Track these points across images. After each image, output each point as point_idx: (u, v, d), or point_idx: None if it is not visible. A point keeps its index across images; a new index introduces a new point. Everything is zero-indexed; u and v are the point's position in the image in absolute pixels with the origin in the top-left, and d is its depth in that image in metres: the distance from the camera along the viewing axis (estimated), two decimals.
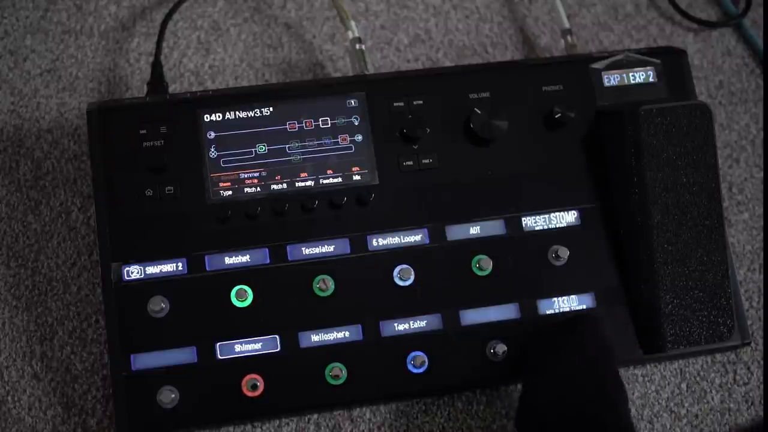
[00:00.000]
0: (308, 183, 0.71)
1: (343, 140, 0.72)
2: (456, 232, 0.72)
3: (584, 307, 0.71)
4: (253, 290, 0.69)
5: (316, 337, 0.69)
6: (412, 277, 0.70)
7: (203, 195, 0.70)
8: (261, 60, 0.86)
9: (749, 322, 0.77)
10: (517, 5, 0.91)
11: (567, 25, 0.84)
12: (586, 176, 0.74)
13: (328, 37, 0.88)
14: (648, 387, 0.76)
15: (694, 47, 0.91)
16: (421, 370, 0.69)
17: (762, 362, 0.78)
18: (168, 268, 0.69)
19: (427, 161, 0.72)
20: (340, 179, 0.71)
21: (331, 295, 0.69)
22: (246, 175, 0.71)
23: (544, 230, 0.72)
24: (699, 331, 0.70)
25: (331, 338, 0.69)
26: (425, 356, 0.69)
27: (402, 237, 0.71)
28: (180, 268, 0.69)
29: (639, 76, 0.76)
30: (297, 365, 0.68)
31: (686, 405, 0.76)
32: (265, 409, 0.68)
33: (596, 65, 0.76)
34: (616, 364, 0.67)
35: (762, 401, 0.77)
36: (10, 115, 0.81)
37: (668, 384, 0.77)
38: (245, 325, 0.68)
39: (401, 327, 0.69)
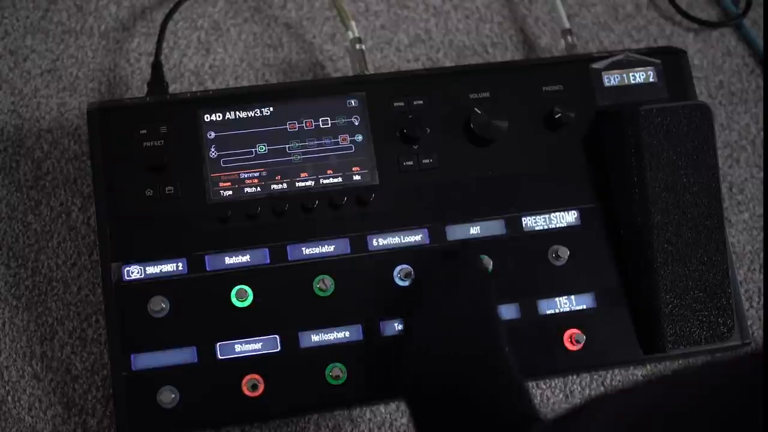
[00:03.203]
0: (308, 183, 0.71)
1: (343, 140, 0.72)
2: (456, 232, 0.72)
3: (584, 307, 0.71)
4: (253, 290, 0.69)
5: (316, 337, 0.69)
6: (412, 277, 0.70)
7: (203, 195, 0.70)
8: (261, 60, 0.86)
9: (749, 322, 0.77)
10: (517, 5, 0.91)
11: (567, 25, 0.84)
12: (586, 176, 0.74)
13: (328, 37, 0.88)
14: None
15: (694, 47, 0.91)
16: None
17: (762, 362, 0.78)
18: (168, 268, 0.69)
19: (427, 161, 0.72)
20: (340, 179, 0.71)
21: (331, 295, 0.69)
22: (246, 175, 0.71)
23: (544, 230, 0.72)
24: (699, 331, 0.70)
25: (331, 338, 0.69)
26: None
27: (402, 237, 0.71)
28: (180, 268, 0.69)
29: (639, 76, 0.76)
30: (297, 365, 0.68)
31: None
32: (265, 409, 0.68)
33: (596, 65, 0.76)
34: (493, 296, 0.64)
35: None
36: (10, 115, 0.81)
37: None
38: (245, 325, 0.68)
39: (402, 327, 0.69)
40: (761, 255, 0.82)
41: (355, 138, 0.72)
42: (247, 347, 0.68)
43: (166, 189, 0.70)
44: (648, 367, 0.77)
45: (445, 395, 0.58)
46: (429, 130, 0.73)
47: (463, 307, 0.63)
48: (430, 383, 0.59)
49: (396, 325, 0.69)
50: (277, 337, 0.68)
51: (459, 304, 0.63)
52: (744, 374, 0.41)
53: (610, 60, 0.76)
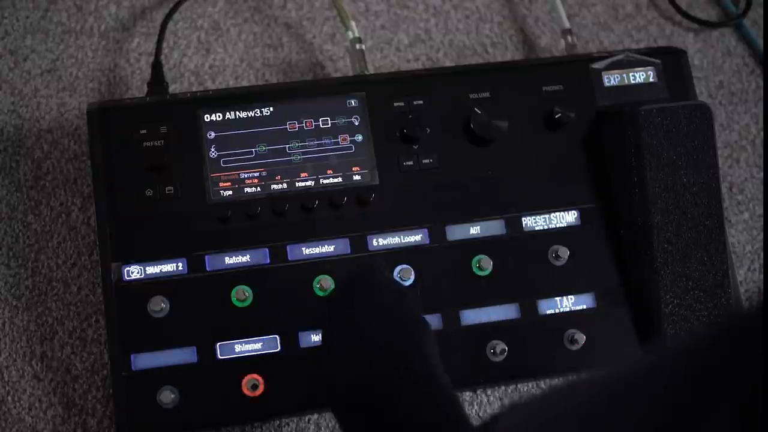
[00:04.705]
0: (308, 183, 0.71)
1: (343, 140, 0.72)
2: (456, 232, 0.72)
3: (584, 307, 0.71)
4: (253, 290, 0.69)
5: (317, 337, 0.68)
6: (412, 277, 0.70)
7: (203, 195, 0.70)
8: (261, 60, 0.86)
9: None
10: (517, 5, 0.91)
11: (567, 25, 0.84)
12: (586, 176, 0.74)
13: (328, 37, 0.88)
14: None
15: (694, 47, 0.91)
16: None
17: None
18: (168, 268, 0.69)
19: (427, 161, 0.72)
20: (340, 179, 0.71)
21: (332, 295, 0.69)
22: (246, 175, 0.71)
23: (544, 230, 0.72)
24: None
25: None
26: None
27: (402, 237, 0.71)
28: (180, 268, 0.69)
29: (639, 76, 0.76)
30: (297, 365, 0.68)
31: None
32: (265, 409, 0.68)
33: (596, 65, 0.76)
34: (416, 304, 0.61)
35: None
36: (10, 115, 0.81)
37: None
38: (245, 325, 0.68)
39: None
40: (761, 255, 0.82)
41: (355, 138, 0.72)
42: (247, 347, 0.68)
43: (166, 189, 0.70)
44: None
45: (368, 403, 0.56)
46: (429, 130, 0.73)
47: (385, 316, 0.60)
48: (353, 392, 0.57)
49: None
50: (277, 337, 0.68)
51: (380, 312, 0.60)
52: (667, 373, 0.37)
53: (610, 60, 0.76)
